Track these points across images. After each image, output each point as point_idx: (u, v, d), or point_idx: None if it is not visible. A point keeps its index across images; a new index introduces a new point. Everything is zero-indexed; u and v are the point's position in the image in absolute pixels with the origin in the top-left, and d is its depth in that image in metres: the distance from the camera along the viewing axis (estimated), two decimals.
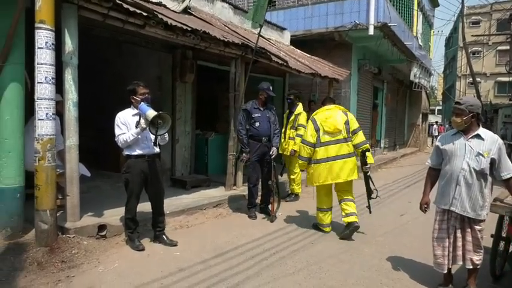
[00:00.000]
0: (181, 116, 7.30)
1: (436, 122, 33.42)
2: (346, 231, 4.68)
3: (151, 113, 3.65)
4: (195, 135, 7.81)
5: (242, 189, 6.56)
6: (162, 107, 6.66)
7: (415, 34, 15.20)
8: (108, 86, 7.45)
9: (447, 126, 30.28)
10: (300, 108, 6.69)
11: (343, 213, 4.79)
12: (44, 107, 3.68)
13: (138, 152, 3.93)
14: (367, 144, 4.78)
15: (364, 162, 4.69)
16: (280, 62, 6.96)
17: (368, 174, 4.75)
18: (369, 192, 4.83)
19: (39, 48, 3.62)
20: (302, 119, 6.55)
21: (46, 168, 3.72)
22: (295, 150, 6.31)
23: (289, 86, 10.50)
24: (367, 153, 4.68)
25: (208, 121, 9.20)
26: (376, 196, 4.85)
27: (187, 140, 7.50)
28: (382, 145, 15.65)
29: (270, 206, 5.55)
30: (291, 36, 11.13)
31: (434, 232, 3.27)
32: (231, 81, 6.57)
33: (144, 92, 3.92)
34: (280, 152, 6.31)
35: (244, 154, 5.38)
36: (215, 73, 8.28)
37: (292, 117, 6.54)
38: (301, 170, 5.59)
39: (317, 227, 4.99)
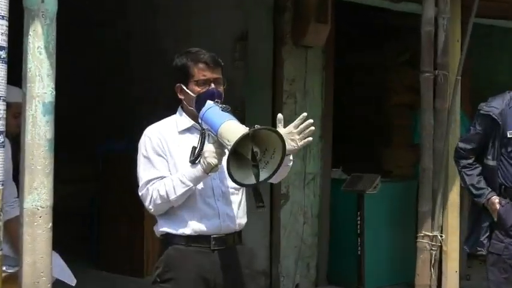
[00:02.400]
0: None
1: None
2: None
3: (235, 127, 2.72)
4: (330, 182, 6.26)
5: None
6: (247, 112, 6.09)
7: None
8: (116, 66, 7.16)
9: None
10: None
11: None
12: None
13: (193, 228, 3.12)
14: None
15: None
16: None
17: None
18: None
19: None
20: None
21: None
22: None
23: None
24: None
25: (362, 144, 7.45)
26: None
27: (311, 195, 6.16)
28: None
29: None
30: None
31: None
32: (424, 39, 5.15)
33: (210, 77, 3.05)
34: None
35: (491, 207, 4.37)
36: (377, 22, 7.21)
37: None
38: None
39: None
